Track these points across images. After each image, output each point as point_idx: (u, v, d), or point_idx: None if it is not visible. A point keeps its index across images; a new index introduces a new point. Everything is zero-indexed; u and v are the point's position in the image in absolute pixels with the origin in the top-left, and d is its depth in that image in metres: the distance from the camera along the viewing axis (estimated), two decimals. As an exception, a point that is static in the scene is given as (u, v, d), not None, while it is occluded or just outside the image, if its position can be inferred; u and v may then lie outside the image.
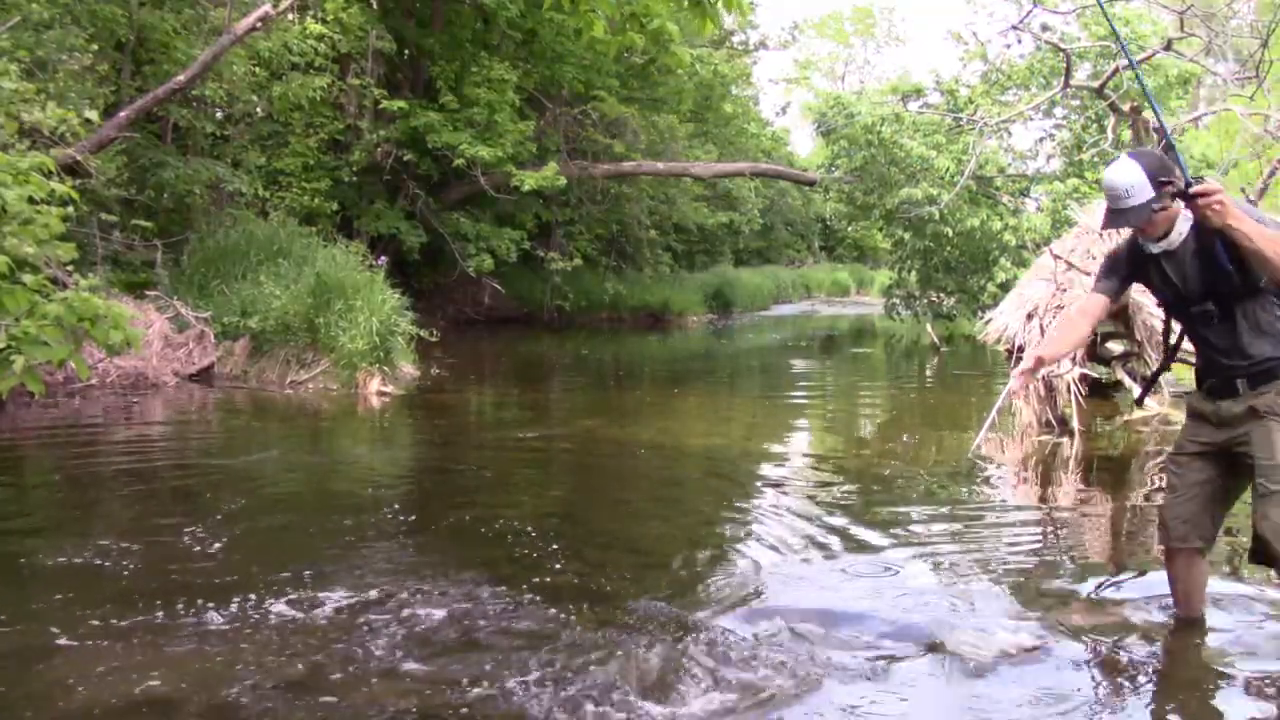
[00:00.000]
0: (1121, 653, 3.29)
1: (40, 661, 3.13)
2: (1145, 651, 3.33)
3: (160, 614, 3.55)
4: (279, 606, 3.61)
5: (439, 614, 3.58)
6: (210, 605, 3.62)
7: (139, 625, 3.45)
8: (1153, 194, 3.02)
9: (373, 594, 3.81)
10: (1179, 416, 7.61)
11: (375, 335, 10.04)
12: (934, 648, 3.29)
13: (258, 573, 4.18)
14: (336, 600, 3.70)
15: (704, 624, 3.52)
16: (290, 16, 13.29)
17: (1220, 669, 3.18)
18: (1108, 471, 6.58)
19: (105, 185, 9.87)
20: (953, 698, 2.98)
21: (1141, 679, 3.13)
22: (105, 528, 4.85)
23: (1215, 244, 3.00)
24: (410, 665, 3.15)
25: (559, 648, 3.28)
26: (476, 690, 2.96)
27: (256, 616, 3.51)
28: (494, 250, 17.21)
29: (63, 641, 3.28)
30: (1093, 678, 3.12)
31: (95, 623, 3.45)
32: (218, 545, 4.48)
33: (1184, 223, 3.11)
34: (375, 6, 15.63)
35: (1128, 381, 8.24)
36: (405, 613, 3.59)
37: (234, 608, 3.59)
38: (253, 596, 3.73)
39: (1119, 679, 3.12)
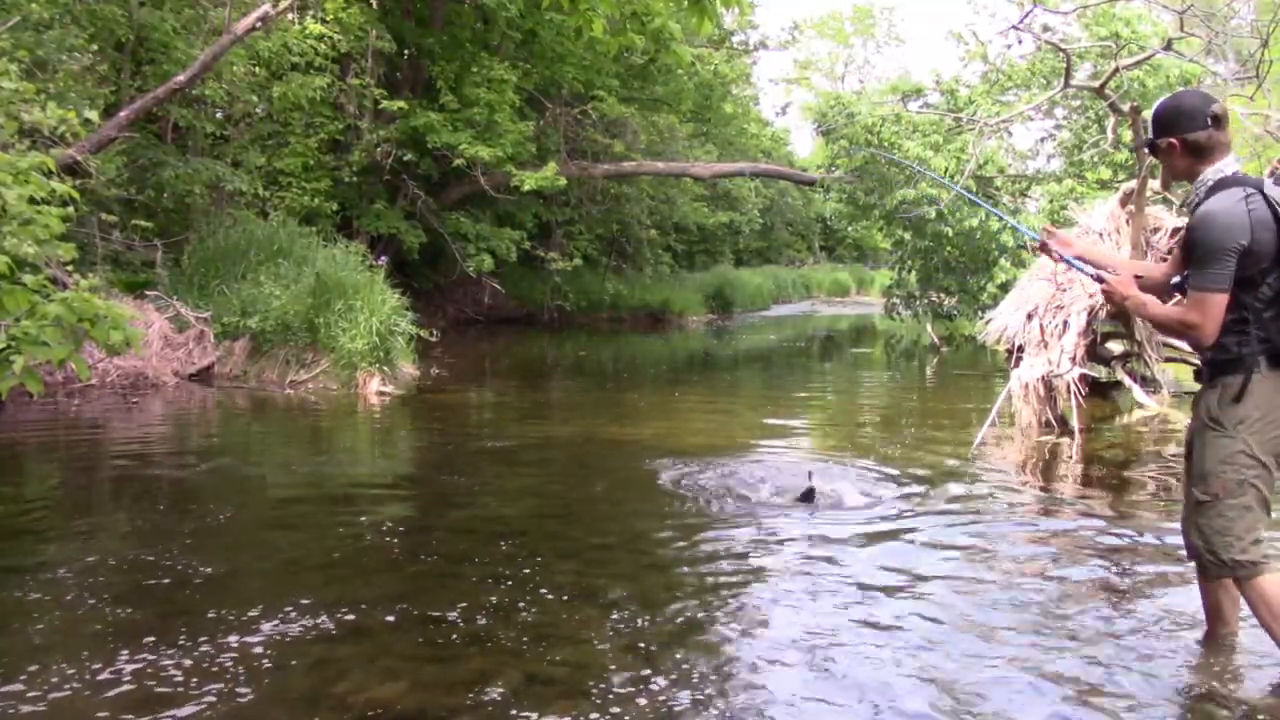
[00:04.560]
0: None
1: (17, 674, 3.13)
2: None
3: (154, 621, 3.55)
4: (278, 609, 3.60)
5: (439, 614, 3.58)
6: (206, 612, 3.62)
7: (125, 633, 3.45)
8: (1151, 137, 3.11)
9: (372, 594, 3.81)
10: (1179, 416, 7.61)
11: (375, 335, 10.05)
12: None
13: (257, 573, 4.18)
14: (335, 600, 3.70)
15: (702, 623, 3.53)
16: (290, 16, 13.28)
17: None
18: (1107, 470, 6.58)
19: (105, 185, 9.87)
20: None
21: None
22: (96, 533, 4.85)
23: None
24: (410, 665, 3.15)
25: (559, 647, 3.28)
26: (478, 691, 2.96)
27: (258, 619, 3.50)
28: (494, 250, 17.21)
29: (38, 656, 3.28)
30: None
31: (73, 634, 3.45)
32: (213, 551, 4.48)
33: (1202, 186, 3.00)
34: (375, 6, 15.62)
35: (1128, 381, 8.24)
36: (405, 613, 3.59)
37: (232, 612, 3.59)
38: (254, 599, 3.73)
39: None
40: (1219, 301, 2.87)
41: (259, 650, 3.21)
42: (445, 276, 18.17)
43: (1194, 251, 2.93)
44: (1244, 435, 2.94)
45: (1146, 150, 3.25)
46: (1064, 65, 9.84)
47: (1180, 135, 3.00)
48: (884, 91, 18.52)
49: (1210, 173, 2.98)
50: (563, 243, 20.34)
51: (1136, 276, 3.30)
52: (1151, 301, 3.12)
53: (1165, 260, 7.42)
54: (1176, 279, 3.14)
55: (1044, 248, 3.44)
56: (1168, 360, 8.65)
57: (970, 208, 14.61)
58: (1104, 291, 3.19)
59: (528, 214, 19.04)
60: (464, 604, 3.68)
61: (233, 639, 3.29)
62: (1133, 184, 8.25)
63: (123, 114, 10.59)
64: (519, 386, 11.71)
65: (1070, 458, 6.92)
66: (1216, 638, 3.26)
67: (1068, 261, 3.41)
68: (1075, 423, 7.42)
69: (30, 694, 2.87)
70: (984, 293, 14.92)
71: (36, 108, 7.06)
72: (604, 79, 18.78)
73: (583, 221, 21.18)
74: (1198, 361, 3.18)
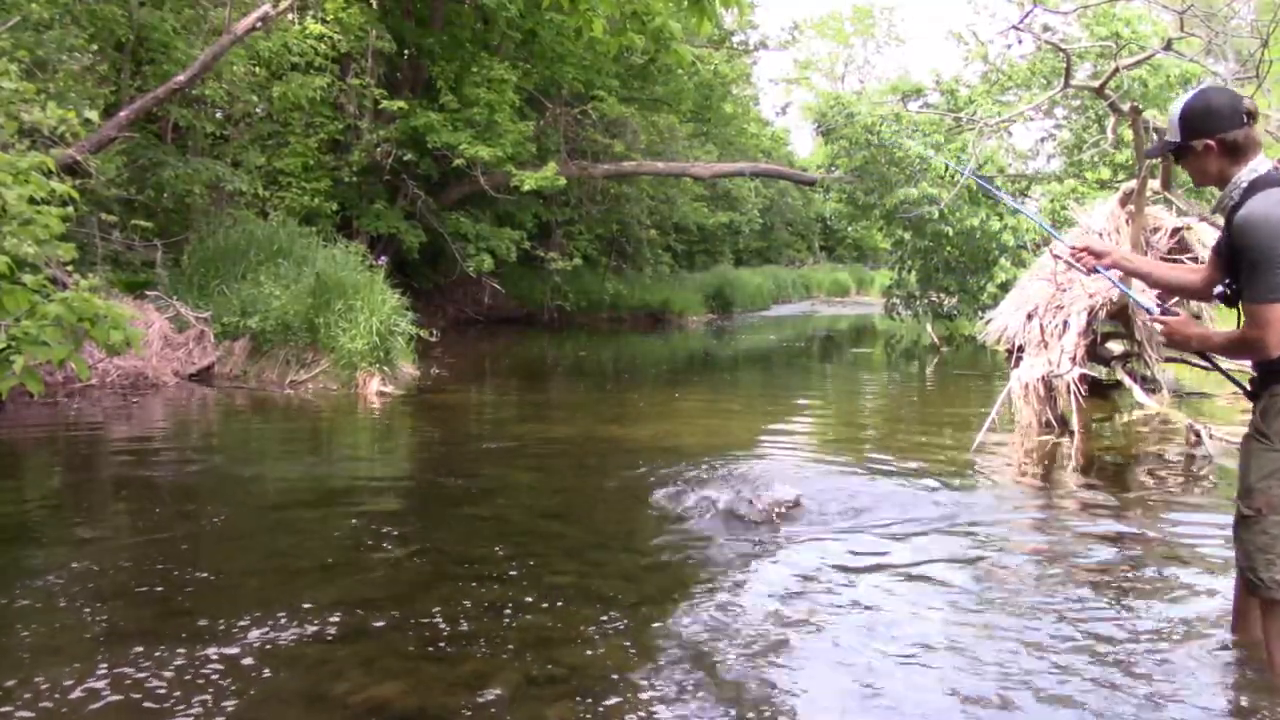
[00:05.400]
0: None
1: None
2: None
3: (151, 623, 3.55)
4: (277, 609, 3.60)
5: (438, 614, 3.58)
6: (204, 613, 3.62)
7: (120, 635, 3.44)
8: (1177, 139, 2.93)
9: (371, 594, 3.81)
10: (1179, 417, 7.61)
11: (375, 335, 10.05)
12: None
13: (255, 574, 4.18)
14: (334, 601, 3.69)
15: (702, 623, 3.53)
16: (290, 16, 13.28)
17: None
18: (1107, 470, 6.58)
19: (105, 185, 9.87)
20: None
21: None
22: (92, 535, 4.85)
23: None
24: (410, 665, 3.15)
25: (559, 647, 3.28)
26: (477, 691, 2.96)
27: (257, 620, 3.50)
28: (494, 250, 17.22)
29: (25, 664, 3.27)
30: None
31: (64, 638, 3.45)
32: (211, 552, 4.48)
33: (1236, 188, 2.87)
34: (375, 6, 15.62)
35: (1128, 381, 8.24)
36: (405, 613, 3.59)
37: (230, 613, 3.59)
38: (252, 599, 3.73)
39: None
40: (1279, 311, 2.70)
41: (258, 651, 3.21)
42: (445, 276, 18.17)
43: (1243, 260, 2.76)
44: None
45: (1171, 155, 3.05)
46: (1064, 65, 9.83)
47: (1218, 136, 2.85)
48: (884, 91, 18.54)
49: (1244, 173, 2.84)
50: (563, 243, 20.34)
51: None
52: (1212, 334, 3.03)
53: (1174, 255, 7.41)
54: (1219, 289, 2.98)
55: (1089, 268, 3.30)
56: (1168, 360, 8.65)
57: (970, 207, 14.62)
58: (1164, 333, 3.07)
59: (528, 214, 19.04)
60: (463, 604, 3.68)
61: (231, 640, 3.29)
62: (1132, 184, 8.24)
63: (123, 114, 10.59)
64: (519, 387, 11.71)
65: (1070, 458, 6.92)
66: (1237, 643, 3.19)
67: (1123, 289, 3.33)
68: (1075, 423, 7.42)
69: (10, 706, 2.85)
70: (984, 293, 14.92)
71: (36, 108, 7.06)
72: (604, 79, 18.78)
73: (583, 221, 21.18)
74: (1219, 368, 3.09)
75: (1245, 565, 2.89)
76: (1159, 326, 3.10)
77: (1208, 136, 2.87)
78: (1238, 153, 2.86)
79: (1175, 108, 2.98)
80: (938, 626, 3.52)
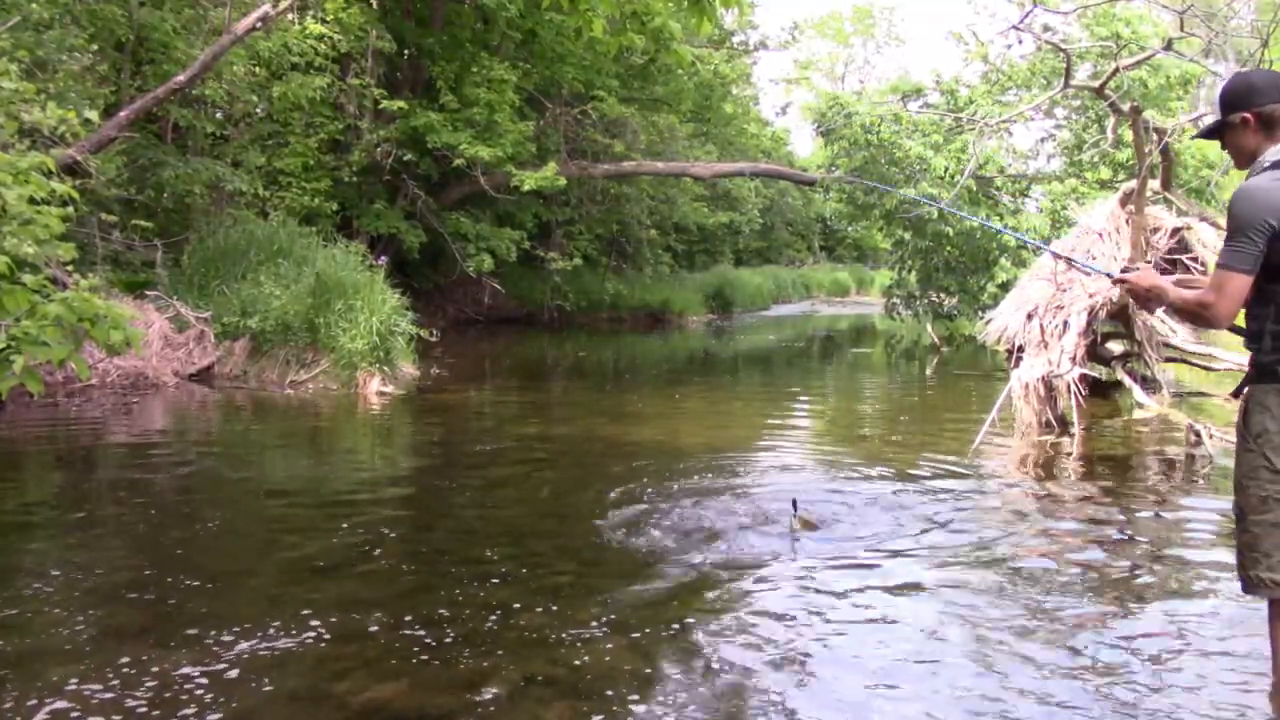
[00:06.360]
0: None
1: None
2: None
3: (151, 623, 3.55)
4: (277, 610, 3.60)
5: (438, 614, 3.58)
6: (204, 613, 3.62)
7: (119, 635, 3.44)
8: (1219, 117, 2.93)
9: (371, 594, 3.81)
10: (1179, 417, 7.60)
11: (375, 335, 10.05)
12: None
13: (255, 574, 4.19)
14: (334, 601, 3.70)
15: (701, 623, 3.53)
16: (290, 16, 13.29)
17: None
18: (1107, 470, 6.57)
19: (105, 185, 9.88)
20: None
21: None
22: (90, 535, 4.84)
23: None
24: (410, 665, 3.15)
25: (559, 647, 3.28)
26: (477, 691, 2.96)
27: (257, 620, 3.50)
28: (494, 250, 17.21)
29: (20, 668, 3.27)
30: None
31: (59, 637, 3.45)
32: (211, 552, 4.47)
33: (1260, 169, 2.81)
34: (375, 6, 15.63)
35: (1128, 381, 8.24)
36: (405, 613, 3.59)
37: (230, 613, 3.59)
38: (252, 599, 3.73)
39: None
40: (1238, 282, 2.67)
41: (258, 651, 3.21)
42: (445, 276, 18.18)
43: (1227, 229, 2.73)
44: (1265, 450, 2.75)
45: (1215, 133, 3.00)
46: (1064, 65, 9.83)
47: (1255, 109, 2.81)
48: (884, 92, 18.53)
49: (1271, 152, 2.80)
50: (563, 243, 20.33)
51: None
52: (1171, 289, 2.97)
53: (1174, 255, 7.37)
54: None
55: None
56: (1168, 360, 8.65)
57: (970, 208, 14.62)
58: (1129, 290, 3.05)
59: (528, 214, 19.04)
60: (463, 604, 3.68)
61: (231, 640, 3.29)
62: (1133, 184, 8.25)
63: (123, 114, 10.59)
64: (519, 387, 11.71)
65: (1070, 458, 6.91)
66: None
67: (1080, 266, 3.28)
68: (1075, 423, 7.41)
69: (5, 709, 2.85)
70: (984, 293, 14.92)
71: (36, 108, 7.06)
72: (604, 79, 18.78)
73: (583, 221, 21.18)
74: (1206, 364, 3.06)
75: (1238, 562, 2.89)
76: (1121, 288, 3.08)
77: (1246, 110, 2.84)
78: (1273, 127, 2.83)
79: (1221, 87, 2.99)
80: (938, 628, 3.52)
